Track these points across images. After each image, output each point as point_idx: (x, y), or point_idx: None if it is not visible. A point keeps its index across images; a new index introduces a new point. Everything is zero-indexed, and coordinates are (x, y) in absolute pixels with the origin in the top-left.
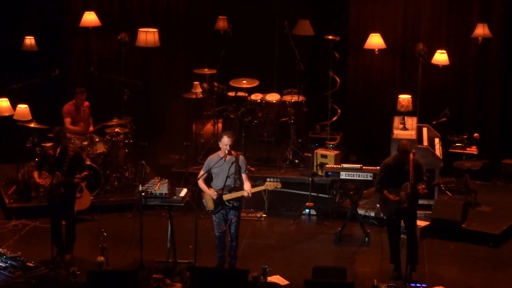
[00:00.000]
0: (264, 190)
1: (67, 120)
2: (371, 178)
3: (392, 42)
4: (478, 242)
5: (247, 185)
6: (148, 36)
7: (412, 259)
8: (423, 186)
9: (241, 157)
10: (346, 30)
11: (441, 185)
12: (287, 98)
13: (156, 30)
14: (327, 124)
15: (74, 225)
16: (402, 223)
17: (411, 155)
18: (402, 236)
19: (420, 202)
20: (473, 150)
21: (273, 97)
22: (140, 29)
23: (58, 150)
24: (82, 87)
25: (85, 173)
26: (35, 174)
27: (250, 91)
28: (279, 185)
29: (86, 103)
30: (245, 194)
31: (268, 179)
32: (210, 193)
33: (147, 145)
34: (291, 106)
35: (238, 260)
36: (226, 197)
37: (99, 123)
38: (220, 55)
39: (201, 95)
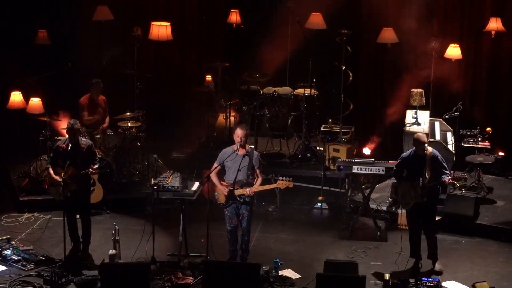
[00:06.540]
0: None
1: (84, 114)
2: (383, 172)
3: (405, 36)
4: (490, 237)
5: (259, 181)
6: (160, 29)
7: (431, 254)
8: (450, 178)
9: (255, 152)
10: (358, 24)
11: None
12: (300, 91)
13: (168, 23)
14: (339, 118)
15: (89, 220)
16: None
17: (428, 148)
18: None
19: None
20: (485, 144)
21: (285, 90)
22: (152, 23)
23: (71, 144)
24: (97, 79)
25: (96, 166)
26: (50, 170)
27: (263, 84)
28: (291, 185)
29: (102, 97)
30: (246, 192)
31: (280, 178)
32: (221, 189)
33: (159, 138)
34: (303, 100)
35: (250, 254)
36: (237, 192)
37: (111, 116)
38: (232, 49)
39: (213, 89)
